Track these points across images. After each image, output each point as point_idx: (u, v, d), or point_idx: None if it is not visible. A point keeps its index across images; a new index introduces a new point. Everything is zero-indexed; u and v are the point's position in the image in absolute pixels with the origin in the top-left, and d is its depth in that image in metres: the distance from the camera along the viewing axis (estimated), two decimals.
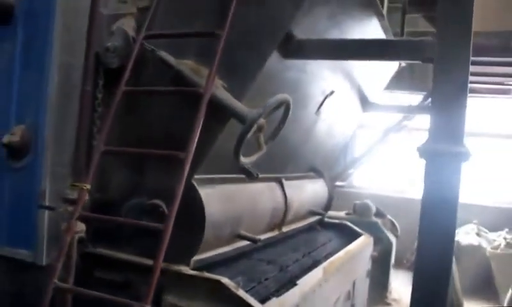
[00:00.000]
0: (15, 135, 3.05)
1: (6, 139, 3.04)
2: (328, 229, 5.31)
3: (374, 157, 7.28)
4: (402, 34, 5.14)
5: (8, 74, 3.19)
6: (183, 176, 2.43)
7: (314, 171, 5.07)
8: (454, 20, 2.50)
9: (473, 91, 9.14)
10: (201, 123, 2.54)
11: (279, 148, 3.34)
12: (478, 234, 8.70)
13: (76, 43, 3.03)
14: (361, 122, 6.59)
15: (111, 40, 3.05)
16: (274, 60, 2.92)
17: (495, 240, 8.39)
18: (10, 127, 3.10)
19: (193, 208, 2.82)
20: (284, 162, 4.15)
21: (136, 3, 3.21)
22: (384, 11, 7.09)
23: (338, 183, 6.99)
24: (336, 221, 5.55)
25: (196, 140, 2.49)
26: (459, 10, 2.49)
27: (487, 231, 8.84)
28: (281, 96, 2.77)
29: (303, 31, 3.01)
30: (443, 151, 2.43)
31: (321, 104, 3.98)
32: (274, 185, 3.99)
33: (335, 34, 3.44)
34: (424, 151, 2.48)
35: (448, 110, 2.47)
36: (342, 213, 6.85)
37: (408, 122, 6.60)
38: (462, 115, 2.45)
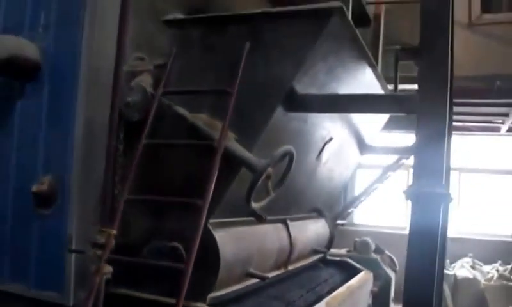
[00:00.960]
0: (43, 184, 3.33)
1: (35, 188, 3.32)
2: (330, 266, 5.57)
3: (373, 195, 7.55)
4: (395, 82, 5.46)
5: (35, 127, 3.47)
6: (201, 221, 2.72)
7: (316, 212, 5.35)
8: (432, 78, 2.85)
9: (466, 129, 9.53)
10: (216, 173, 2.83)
11: (284, 192, 3.61)
12: (473, 267, 8.97)
13: (99, 98, 3.33)
14: (359, 163, 6.88)
15: (131, 95, 3.35)
16: (279, 114, 3.23)
17: (488, 273, 8.66)
18: (38, 177, 3.37)
19: (209, 250, 3.09)
20: (288, 205, 4.43)
21: (152, 61, 3.53)
22: (380, 54, 7.49)
23: (339, 222, 7.25)
24: (338, 259, 5.81)
25: (212, 189, 2.78)
26: (436, 71, 2.84)
27: (481, 264, 9.11)
28: (286, 148, 3.07)
29: (304, 85, 3.32)
30: (425, 194, 2.75)
31: (321, 150, 4.29)
32: (280, 226, 4.26)
33: (333, 85, 3.76)
34: (409, 194, 2.80)
35: (429, 158, 2.80)
36: (343, 251, 7.11)
37: (405, 160, 6.90)
38: (441, 161, 2.78)
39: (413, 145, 5.78)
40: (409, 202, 2.78)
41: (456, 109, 4.95)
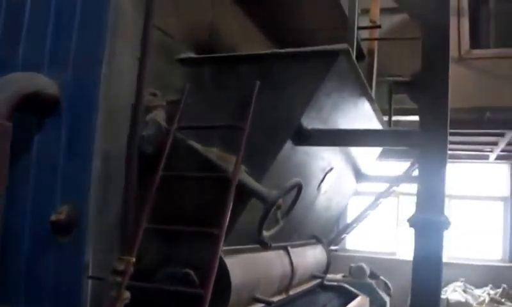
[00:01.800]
0: (61, 213, 3.49)
1: (53, 217, 3.48)
2: (327, 291, 5.76)
3: (365, 221, 7.76)
4: (390, 115, 5.70)
5: (53, 159, 3.63)
6: (219, 249, 2.90)
7: (314, 238, 5.55)
8: (433, 115, 3.08)
9: (456, 157, 9.81)
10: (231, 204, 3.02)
11: (286, 221, 3.81)
12: (465, 291, 9.20)
13: (116, 131, 3.52)
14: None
15: (146, 130, 3.55)
16: (287, 147, 3.44)
17: (480, 296, 8.88)
18: (56, 206, 3.53)
19: (221, 276, 3.26)
20: (290, 232, 4.61)
21: (166, 96, 3.74)
22: (373, 85, 7.74)
23: (332, 248, 7.45)
24: (335, 283, 5.99)
25: (228, 219, 2.96)
26: (437, 107, 3.07)
27: (473, 287, 9.35)
28: (295, 181, 3.27)
29: (309, 119, 3.54)
30: (428, 222, 2.97)
31: (322, 180, 4.49)
32: (282, 253, 4.45)
33: (336, 117, 3.98)
34: (412, 222, 3.03)
35: (431, 188, 3.03)
36: (339, 276, 7.29)
37: (396, 187, 7.13)
38: (443, 191, 3.01)
39: (406, 173, 6.09)
40: (412, 229, 2.99)
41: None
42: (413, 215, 3.03)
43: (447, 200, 10.20)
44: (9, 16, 4.01)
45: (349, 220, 8.30)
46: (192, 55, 3.67)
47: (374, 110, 4.72)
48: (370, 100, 4.49)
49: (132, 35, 3.68)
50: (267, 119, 3.34)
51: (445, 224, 2.98)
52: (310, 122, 3.55)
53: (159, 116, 3.62)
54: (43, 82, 3.61)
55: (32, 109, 3.63)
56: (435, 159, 3.07)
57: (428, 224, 2.93)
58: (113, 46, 3.61)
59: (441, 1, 3.13)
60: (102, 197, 3.50)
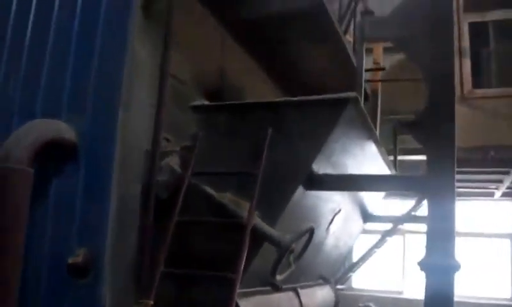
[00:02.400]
0: (78, 256, 3.58)
1: (71, 260, 3.57)
2: None
3: (371, 259, 7.80)
4: (395, 155, 5.81)
5: (71, 202, 3.74)
6: (235, 293, 2.98)
7: (322, 279, 5.61)
8: (440, 160, 3.18)
9: (461, 194, 9.89)
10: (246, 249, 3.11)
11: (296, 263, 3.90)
12: None
13: (132, 176, 3.64)
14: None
15: (160, 175, 3.66)
16: (299, 192, 3.54)
17: None
18: (73, 249, 3.62)
19: None
20: (299, 274, 4.68)
21: (179, 143, 3.86)
22: (378, 125, 7.87)
23: (338, 287, 7.48)
24: None
25: (243, 263, 3.05)
26: (443, 151, 3.18)
27: None
28: (308, 226, 3.37)
29: (320, 164, 3.65)
30: (439, 266, 3.05)
31: (331, 222, 4.58)
32: (291, 295, 4.52)
33: (344, 160, 4.09)
34: (423, 266, 3.11)
35: (441, 232, 3.11)
36: None
37: (401, 226, 7.21)
38: (452, 235, 3.10)
39: (413, 208, 6.17)
40: (423, 273, 3.07)
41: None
42: (423, 259, 3.10)
43: None
44: (30, 64, 4.17)
45: (355, 259, 8.35)
46: (205, 102, 3.79)
47: (380, 152, 4.83)
48: (377, 142, 4.60)
49: (148, 83, 3.84)
50: (280, 165, 3.45)
51: (456, 268, 3.06)
52: (321, 167, 3.66)
53: (173, 161, 3.73)
54: (62, 129, 3.74)
55: (52, 155, 3.75)
56: (444, 203, 3.16)
57: (439, 268, 3.01)
58: (130, 93, 3.76)
59: (447, 53, 3.27)
60: (118, 241, 3.59)
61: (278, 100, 3.56)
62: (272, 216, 3.43)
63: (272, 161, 3.41)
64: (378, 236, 6.94)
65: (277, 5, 4.82)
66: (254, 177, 3.32)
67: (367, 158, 4.60)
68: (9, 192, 3.38)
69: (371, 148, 4.62)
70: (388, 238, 7.19)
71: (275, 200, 3.46)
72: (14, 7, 4.33)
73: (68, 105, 3.90)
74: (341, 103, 3.34)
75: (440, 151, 3.23)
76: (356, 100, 3.36)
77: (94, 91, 3.85)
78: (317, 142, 3.42)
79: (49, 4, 4.14)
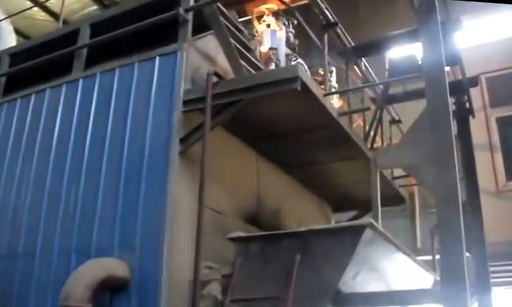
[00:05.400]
0: None
1: None
2: None
3: None
4: (433, 256, 6.03)
5: None
6: None
7: None
8: (452, 275, 3.47)
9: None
10: None
11: None
12: None
13: (178, 304, 4.06)
14: None
15: (203, 302, 4.06)
16: None
17: None
18: None
19: None
20: None
21: (220, 270, 4.28)
22: (417, 225, 8.12)
23: None
24: None
25: None
26: (455, 267, 3.47)
27: None
28: None
29: (347, 284, 3.97)
30: None
31: None
32: None
33: (375, 275, 4.38)
34: None
35: None
36: None
37: None
38: None
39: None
40: None
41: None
42: None
43: None
44: (84, 207, 4.76)
45: None
46: (240, 234, 4.20)
47: (412, 259, 5.09)
48: (405, 252, 4.89)
49: (188, 218, 4.33)
50: (308, 287, 3.80)
51: None
52: (349, 286, 3.98)
53: (215, 289, 4.15)
54: (115, 266, 4.23)
55: (108, 289, 4.23)
56: None
57: None
58: (172, 229, 4.25)
59: (450, 176, 3.60)
60: None
61: (303, 229, 3.94)
62: None
63: (302, 283, 3.76)
64: None
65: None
66: (284, 301, 3.68)
67: (401, 268, 4.87)
68: None
69: (401, 258, 4.90)
70: None
71: None
72: (69, 160, 5.03)
73: (119, 242, 4.44)
74: (357, 230, 3.70)
75: (453, 266, 3.50)
76: (371, 226, 3.72)
77: (142, 230, 4.38)
78: (340, 265, 3.75)
79: (99, 157, 4.81)
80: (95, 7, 12.91)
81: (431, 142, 3.68)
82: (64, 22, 11.54)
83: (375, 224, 3.77)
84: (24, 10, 10.15)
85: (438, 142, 3.66)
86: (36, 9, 11.82)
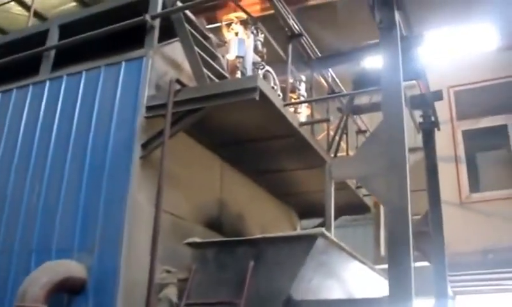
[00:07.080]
0: None
1: None
2: None
3: None
4: None
5: None
6: None
7: None
8: (399, 287, 3.57)
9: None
10: None
11: None
12: None
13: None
14: None
15: (159, 304, 4.14)
16: None
17: None
18: None
19: None
20: None
21: (177, 275, 4.35)
22: (381, 232, 8.19)
23: None
24: None
25: None
26: (403, 280, 3.57)
27: None
28: None
29: (301, 292, 4.06)
30: None
31: None
32: None
33: (331, 282, 4.49)
34: None
35: None
36: None
37: None
38: None
39: None
40: None
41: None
42: None
43: None
44: (46, 207, 4.80)
45: None
46: (197, 239, 4.28)
47: (369, 266, 5.21)
48: (360, 260, 5.00)
49: (148, 221, 4.38)
50: (260, 293, 3.89)
51: None
52: (302, 294, 4.07)
53: (171, 292, 4.23)
54: (74, 268, 4.28)
55: (64, 291, 4.27)
56: None
57: None
58: (132, 232, 4.31)
59: (402, 188, 3.70)
60: None
61: (256, 236, 4.05)
62: None
63: (255, 289, 3.85)
64: None
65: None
66: (237, 306, 3.76)
67: (359, 277, 4.98)
68: None
69: (358, 267, 5.01)
70: None
71: None
72: (32, 160, 5.06)
73: (79, 244, 4.48)
74: (310, 239, 3.81)
75: (400, 276, 3.59)
76: (323, 235, 3.82)
77: (101, 231, 4.43)
78: (292, 272, 3.85)
79: (62, 158, 4.85)
80: (73, 4, 12.79)
81: (385, 155, 3.78)
82: (43, 17, 11.52)
83: (327, 233, 3.88)
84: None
85: (392, 155, 3.75)
86: (13, 3, 11.72)
